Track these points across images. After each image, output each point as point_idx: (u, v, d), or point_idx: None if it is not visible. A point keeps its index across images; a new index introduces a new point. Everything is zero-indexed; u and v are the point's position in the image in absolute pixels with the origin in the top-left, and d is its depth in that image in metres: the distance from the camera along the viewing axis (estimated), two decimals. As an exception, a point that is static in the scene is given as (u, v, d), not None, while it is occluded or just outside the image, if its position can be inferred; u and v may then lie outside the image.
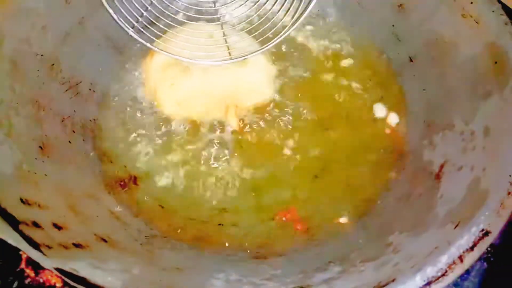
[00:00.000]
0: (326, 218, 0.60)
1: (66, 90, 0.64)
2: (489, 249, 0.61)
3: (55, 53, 0.62)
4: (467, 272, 0.61)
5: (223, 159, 0.65)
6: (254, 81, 0.69)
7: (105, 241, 0.51)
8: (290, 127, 0.67)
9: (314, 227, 0.59)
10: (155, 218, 0.59)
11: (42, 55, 0.60)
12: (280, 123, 0.67)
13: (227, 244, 0.58)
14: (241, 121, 0.67)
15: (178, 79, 0.67)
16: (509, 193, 0.46)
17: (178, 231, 0.58)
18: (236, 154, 0.65)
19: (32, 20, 0.59)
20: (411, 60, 0.68)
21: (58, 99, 0.62)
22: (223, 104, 0.68)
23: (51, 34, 0.62)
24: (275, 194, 0.62)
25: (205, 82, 0.67)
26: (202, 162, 0.64)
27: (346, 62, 0.73)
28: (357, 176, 0.64)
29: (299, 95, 0.70)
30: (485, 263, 0.62)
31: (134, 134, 0.66)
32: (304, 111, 0.68)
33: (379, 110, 0.69)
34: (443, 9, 0.63)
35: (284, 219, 0.60)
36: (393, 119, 0.68)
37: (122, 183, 0.62)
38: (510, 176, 0.47)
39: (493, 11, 0.58)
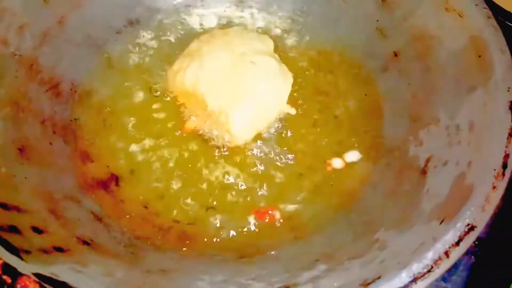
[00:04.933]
0: (312, 216, 0.60)
1: (46, 91, 0.62)
2: (476, 243, 0.62)
3: (34, 53, 0.61)
4: (455, 266, 0.61)
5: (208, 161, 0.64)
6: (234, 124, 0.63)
7: (87, 244, 0.50)
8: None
9: (301, 225, 0.59)
10: (139, 220, 0.58)
11: (20, 56, 0.59)
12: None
13: (212, 245, 0.57)
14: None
15: (186, 70, 0.66)
16: (493, 187, 0.46)
17: (163, 232, 0.58)
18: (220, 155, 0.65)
19: (8, 20, 0.58)
20: (395, 55, 0.68)
21: (38, 100, 0.61)
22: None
23: (29, 34, 0.61)
24: (260, 194, 0.62)
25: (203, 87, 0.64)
26: (188, 163, 0.64)
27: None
28: (341, 172, 0.63)
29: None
30: (472, 257, 0.62)
31: (116, 134, 0.65)
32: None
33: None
34: (427, 3, 0.63)
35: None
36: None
37: (104, 184, 0.61)
38: (494, 170, 0.47)
39: (476, 5, 0.58)
